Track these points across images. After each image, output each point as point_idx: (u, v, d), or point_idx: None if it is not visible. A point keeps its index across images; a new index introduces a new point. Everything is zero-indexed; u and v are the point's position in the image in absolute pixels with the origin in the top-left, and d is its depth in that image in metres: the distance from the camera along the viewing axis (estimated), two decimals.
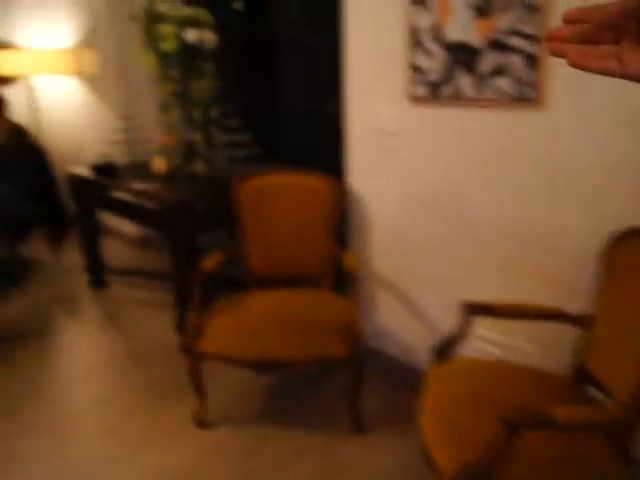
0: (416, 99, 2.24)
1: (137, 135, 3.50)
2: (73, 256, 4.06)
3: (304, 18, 3.72)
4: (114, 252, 3.98)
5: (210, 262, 2.30)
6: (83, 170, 3.32)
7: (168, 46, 2.92)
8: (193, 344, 2.14)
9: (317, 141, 3.76)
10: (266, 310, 2.27)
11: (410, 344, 2.50)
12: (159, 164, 3.09)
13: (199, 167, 3.06)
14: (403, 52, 2.23)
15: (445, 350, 1.94)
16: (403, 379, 2.48)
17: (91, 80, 4.36)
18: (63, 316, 3.34)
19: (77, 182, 3.36)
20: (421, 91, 2.22)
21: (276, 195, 2.48)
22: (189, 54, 2.98)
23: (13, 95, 4.18)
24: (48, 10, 4.57)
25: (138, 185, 2.85)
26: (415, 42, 2.19)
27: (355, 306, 2.18)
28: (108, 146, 3.46)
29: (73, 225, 4.16)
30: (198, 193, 2.80)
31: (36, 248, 4.18)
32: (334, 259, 2.46)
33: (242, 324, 2.19)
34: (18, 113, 4.13)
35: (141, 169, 3.26)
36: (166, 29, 2.91)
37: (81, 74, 4.44)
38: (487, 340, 2.20)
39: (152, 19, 3.02)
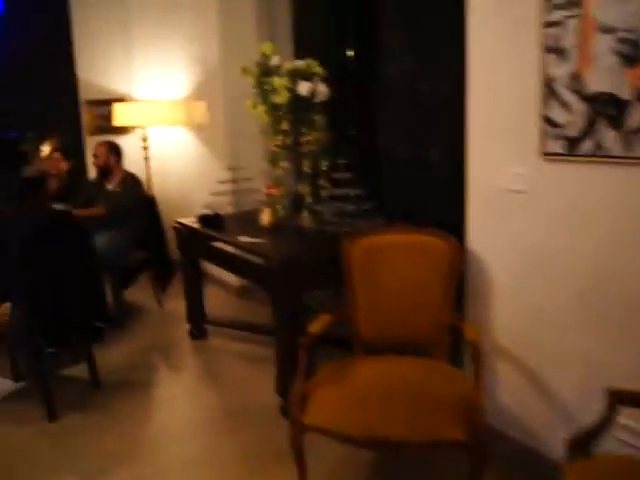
0: (549, 155, 2.03)
1: (243, 186, 3.48)
2: (175, 303, 4.09)
3: (415, 65, 3.62)
4: (214, 301, 3.95)
5: (318, 325, 2.16)
6: (190, 220, 3.32)
7: (280, 98, 2.88)
8: (298, 414, 1.99)
9: (421, 191, 3.60)
10: (374, 380, 2.08)
11: (535, 427, 2.22)
12: (265, 216, 3.03)
13: (306, 220, 2.97)
14: (535, 104, 2.04)
15: (584, 444, 1.67)
16: (526, 465, 2.20)
17: (200, 131, 4.46)
18: (163, 366, 3.31)
19: (184, 232, 3.37)
20: (555, 146, 2.01)
21: (388, 254, 2.32)
22: (300, 106, 2.93)
23: (127, 145, 4.34)
24: (165, 65, 4.77)
25: (244, 238, 2.78)
26: (549, 93, 2.00)
27: (478, 383, 1.95)
28: (214, 196, 3.46)
29: (176, 272, 4.20)
30: (305, 249, 2.69)
31: (139, 293, 4.25)
32: (450, 326, 2.25)
33: (349, 395, 2.01)
34: (131, 162, 4.27)
35: (247, 220, 3.22)
36: (278, 82, 2.88)
37: (191, 125, 4.56)
38: (635, 433, 1.89)
39: (264, 72, 3.02)
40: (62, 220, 3.00)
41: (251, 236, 2.83)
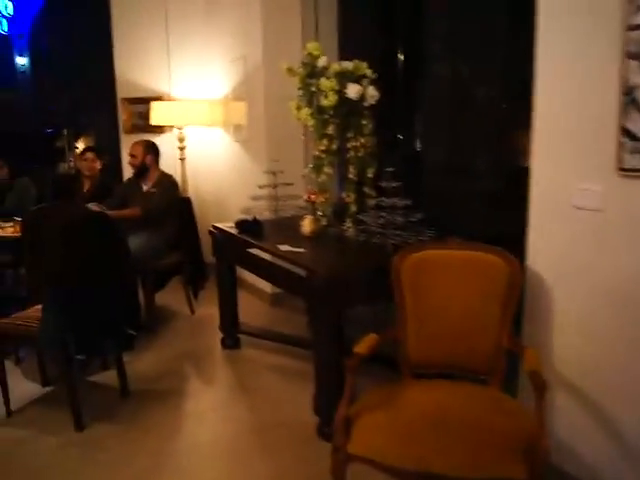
0: (626, 171, 1.85)
1: (283, 192, 3.35)
2: (207, 309, 3.97)
3: (467, 69, 3.46)
4: (248, 308, 3.81)
5: (364, 346, 2.00)
6: (227, 225, 3.20)
7: (327, 101, 2.74)
8: (342, 442, 1.84)
9: (466, 202, 3.43)
10: (425, 408, 1.92)
11: (600, 466, 2.02)
12: (306, 224, 2.89)
13: (350, 230, 2.82)
14: (612, 114, 1.85)
15: None
16: None
17: (239, 132, 4.35)
18: (194, 376, 3.19)
19: (220, 237, 3.25)
20: (633, 161, 1.83)
21: (442, 271, 2.16)
22: (348, 110, 2.78)
23: (163, 144, 4.25)
24: (205, 64, 4.68)
25: (284, 247, 2.65)
26: (629, 103, 1.82)
27: (541, 419, 1.77)
28: (253, 200, 3.34)
29: (209, 278, 4.08)
30: (350, 261, 2.55)
31: (170, 298, 4.14)
32: (507, 352, 2.08)
33: (399, 424, 1.85)
34: (167, 163, 4.18)
35: (286, 227, 3.09)
36: (326, 83, 2.74)
37: (229, 126, 4.45)
38: None
39: (310, 73, 2.88)
40: (97, 221, 2.91)
41: (292, 245, 2.69)
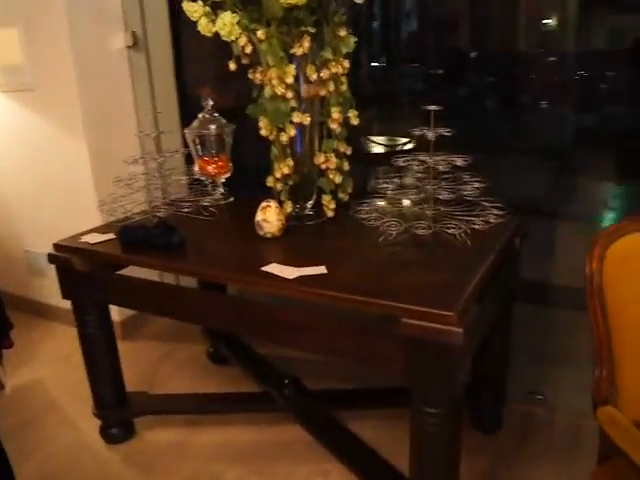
0: None
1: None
2: (27, 373, 2.39)
3: None
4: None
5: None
6: (96, 241, 1.76)
7: None
8: None
9: None
10: None
11: None
12: (269, 217, 1.68)
13: (354, 215, 1.70)
14: None
15: None
16: None
17: (10, 77, 2.63)
18: None
19: (82, 264, 1.78)
20: None
21: None
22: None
23: None
24: None
25: (277, 269, 1.43)
26: None
27: None
28: (122, 186, 1.91)
29: (10, 330, 2.48)
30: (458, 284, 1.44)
31: None
32: None
33: None
34: None
35: (209, 228, 1.80)
36: None
37: None
38: None
39: None
40: None
41: (285, 261, 1.49)
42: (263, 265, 1.48)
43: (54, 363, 2.51)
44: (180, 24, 2.70)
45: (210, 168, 2.10)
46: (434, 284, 1.35)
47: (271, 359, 2.30)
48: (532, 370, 2.19)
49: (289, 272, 1.43)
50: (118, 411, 2.01)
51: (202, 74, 3.42)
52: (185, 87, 2.88)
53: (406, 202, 1.66)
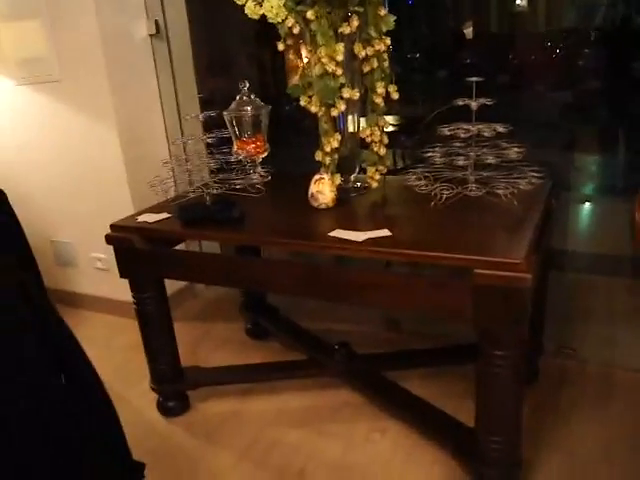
0: None
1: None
2: None
3: None
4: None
5: None
6: (154, 219, 1.84)
7: None
8: None
9: None
10: None
11: None
12: (323, 189, 1.77)
13: (408, 179, 1.80)
14: None
15: None
16: None
17: (34, 69, 2.67)
18: None
19: (139, 242, 1.85)
20: None
21: None
22: None
23: None
24: None
25: (340, 233, 1.53)
26: None
27: None
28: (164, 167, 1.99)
29: None
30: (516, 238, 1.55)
31: None
32: None
33: None
34: None
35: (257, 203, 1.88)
36: None
37: (8, 63, 2.71)
38: None
39: None
40: None
41: (346, 227, 1.59)
42: (328, 232, 1.57)
43: (95, 348, 2.56)
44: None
45: (249, 148, 2.18)
46: (497, 238, 1.46)
47: (313, 331, 2.40)
48: (561, 327, 2.32)
49: (356, 236, 1.53)
50: (175, 384, 2.09)
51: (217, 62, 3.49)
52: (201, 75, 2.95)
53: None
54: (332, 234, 1.56)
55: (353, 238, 1.52)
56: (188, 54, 2.80)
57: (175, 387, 2.10)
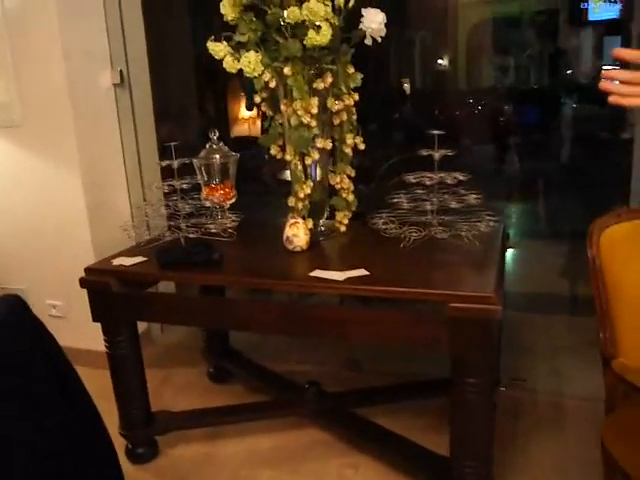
0: None
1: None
2: None
3: None
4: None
5: None
6: (130, 263, 1.87)
7: (319, 37, 1.74)
8: None
9: None
10: None
11: None
12: (297, 232, 1.87)
13: (374, 224, 1.93)
14: None
15: None
16: None
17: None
18: None
19: (115, 284, 1.88)
20: None
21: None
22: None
23: None
24: None
25: (321, 273, 1.63)
26: None
27: None
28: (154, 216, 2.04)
29: None
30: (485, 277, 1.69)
31: None
32: None
33: None
34: None
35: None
36: (315, 8, 1.74)
37: None
38: None
39: None
40: None
41: (324, 267, 1.69)
42: (307, 272, 1.67)
43: None
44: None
45: (217, 195, 2.26)
46: (467, 275, 1.60)
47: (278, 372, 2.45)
48: (510, 360, 2.48)
49: (337, 275, 1.63)
50: (146, 429, 2.08)
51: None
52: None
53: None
54: (313, 274, 1.66)
55: (334, 277, 1.62)
56: (149, 102, 2.87)
57: (146, 432, 2.09)
